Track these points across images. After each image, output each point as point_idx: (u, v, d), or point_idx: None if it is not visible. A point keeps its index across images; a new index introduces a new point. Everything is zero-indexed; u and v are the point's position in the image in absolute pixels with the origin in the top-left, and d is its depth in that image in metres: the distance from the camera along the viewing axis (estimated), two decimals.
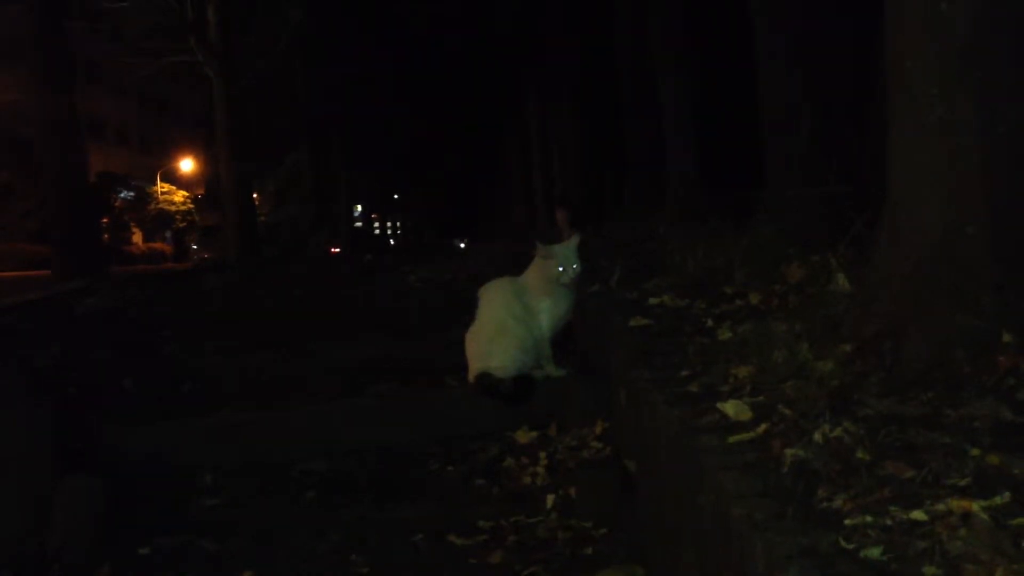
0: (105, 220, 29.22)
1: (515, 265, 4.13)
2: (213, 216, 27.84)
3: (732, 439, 1.76)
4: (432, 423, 3.58)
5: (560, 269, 3.46)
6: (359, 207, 40.05)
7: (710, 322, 2.91)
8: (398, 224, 55.43)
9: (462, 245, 25.59)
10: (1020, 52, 2.11)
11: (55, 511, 2.84)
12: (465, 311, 3.85)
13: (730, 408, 1.90)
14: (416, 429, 3.57)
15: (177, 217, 36.37)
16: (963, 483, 1.43)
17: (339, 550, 2.70)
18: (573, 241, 3.55)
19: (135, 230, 36.35)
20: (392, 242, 45.94)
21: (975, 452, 1.53)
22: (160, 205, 36.03)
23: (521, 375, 3.47)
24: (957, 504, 1.34)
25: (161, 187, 37.06)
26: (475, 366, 3.54)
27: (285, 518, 2.97)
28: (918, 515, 1.33)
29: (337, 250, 24.31)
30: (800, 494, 1.46)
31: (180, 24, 16.27)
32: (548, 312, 3.53)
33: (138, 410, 3.86)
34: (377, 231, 48.30)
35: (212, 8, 16.30)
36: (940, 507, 1.34)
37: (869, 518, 1.34)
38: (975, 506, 1.32)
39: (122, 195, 34.43)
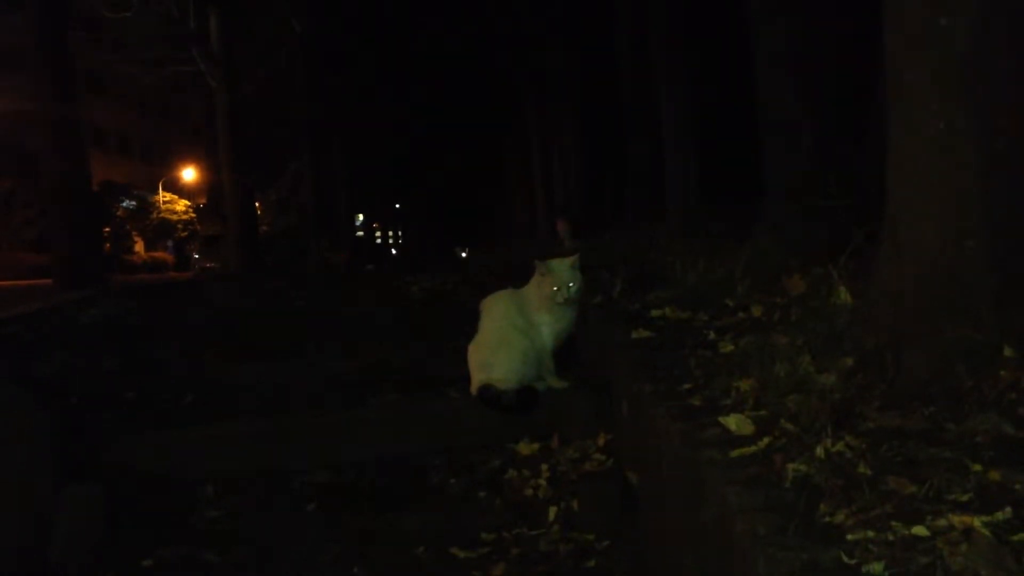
0: (107, 229, 29.26)
1: (516, 274, 4.14)
2: (215, 225, 27.85)
3: (734, 453, 1.76)
4: (434, 434, 3.58)
5: (555, 289, 3.44)
6: (360, 216, 40.09)
7: (712, 335, 2.91)
8: (399, 233, 55.47)
9: (463, 254, 25.56)
10: (1019, 66, 2.12)
11: (56, 522, 2.84)
12: (467, 322, 3.86)
13: (732, 422, 1.91)
14: (418, 440, 3.57)
15: (179, 226, 36.40)
16: (964, 498, 1.44)
17: (341, 562, 2.70)
18: (572, 258, 3.55)
19: (137, 239, 36.39)
20: (394, 251, 45.93)
21: (976, 467, 1.53)
22: (162, 214, 36.08)
23: (523, 387, 3.47)
24: (959, 520, 1.34)
25: (163, 196, 37.12)
26: (477, 377, 3.54)
27: (287, 529, 2.97)
28: (920, 530, 1.34)
29: (344, 257, 24.29)
30: (802, 509, 1.46)
31: (182, 34, 16.33)
32: (549, 326, 3.53)
33: (140, 420, 3.86)
34: (379, 240, 48.34)
35: (214, 18, 16.36)
36: (942, 522, 1.35)
37: (871, 533, 1.35)
38: (977, 522, 1.33)
39: (124, 204, 34.49)
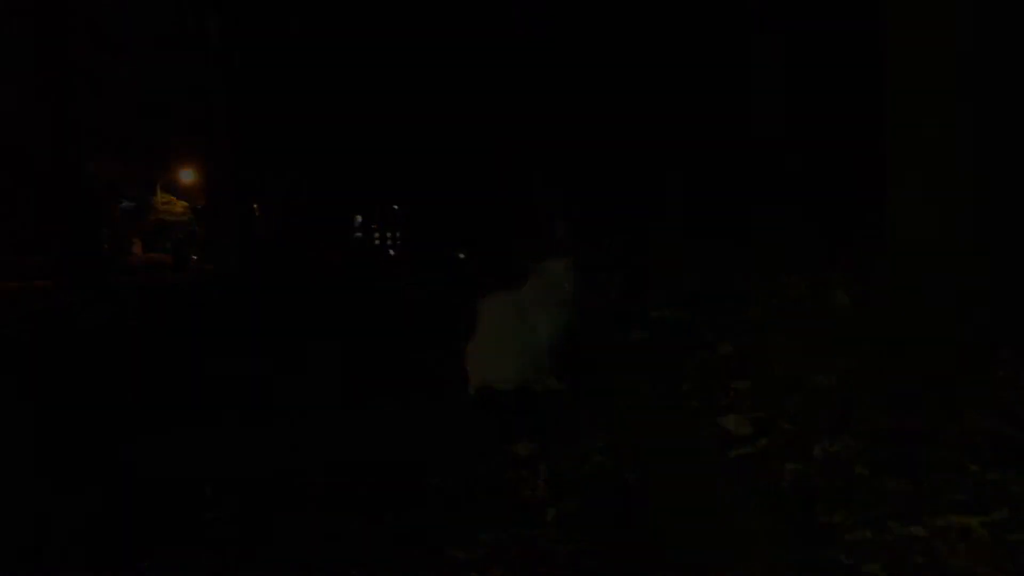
0: (105, 230, 29.24)
1: (516, 275, 4.14)
2: (213, 226, 27.83)
3: (733, 453, 1.76)
4: (432, 435, 3.58)
5: (551, 290, 3.46)
6: (359, 217, 40.07)
7: (710, 336, 2.91)
8: (397, 235, 55.39)
9: (461, 256, 25.57)
10: (1019, 67, 2.13)
11: (55, 523, 2.84)
12: (465, 322, 3.86)
13: (730, 422, 1.91)
14: (416, 441, 3.57)
15: (177, 227, 36.39)
16: (962, 499, 1.44)
17: (339, 564, 2.69)
18: (568, 259, 3.56)
19: (135, 240, 36.37)
20: (392, 252, 45.89)
21: (974, 468, 1.54)
22: (160, 215, 36.06)
23: (521, 387, 3.47)
24: (956, 519, 1.34)
25: (161, 197, 37.09)
26: (475, 378, 3.54)
27: (284, 531, 2.96)
28: (917, 530, 1.34)
29: (343, 258, 24.29)
30: (800, 509, 1.47)
31: (181, 34, 16.33)
32: (546, 326, 3.54)
33: (139, 421, 3.86)
34: (377, 242, 48.31)
35: (214, 18, 16.37)
36: (939, 522, 1.35)
37: (868, 533, 1.35)
38: (974, 522, 1.33)
39: (122, 205, 34.47)
